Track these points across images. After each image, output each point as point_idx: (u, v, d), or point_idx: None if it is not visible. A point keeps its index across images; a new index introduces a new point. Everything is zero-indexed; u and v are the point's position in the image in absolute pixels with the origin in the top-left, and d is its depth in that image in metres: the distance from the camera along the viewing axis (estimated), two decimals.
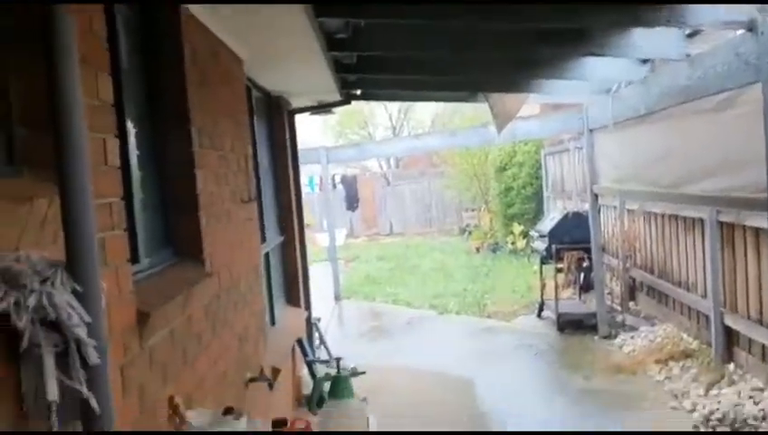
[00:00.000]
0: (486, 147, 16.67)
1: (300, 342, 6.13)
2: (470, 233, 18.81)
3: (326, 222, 12.15)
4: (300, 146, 12.45)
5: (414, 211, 23.93)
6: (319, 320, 8.20)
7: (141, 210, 2.85)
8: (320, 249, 15.59)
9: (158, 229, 3.14)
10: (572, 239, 8.34)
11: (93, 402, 1.51)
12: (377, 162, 28.23)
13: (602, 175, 7.79)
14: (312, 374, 6.08)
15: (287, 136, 6.92)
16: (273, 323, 5.90)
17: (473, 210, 19.83)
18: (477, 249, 16.33)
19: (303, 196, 7.50)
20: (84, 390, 1.48)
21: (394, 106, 29.66)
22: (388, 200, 24.02)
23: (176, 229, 3.23)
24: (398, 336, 8.99)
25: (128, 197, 2.50)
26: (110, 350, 1.69)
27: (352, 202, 17.55)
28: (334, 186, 18.02)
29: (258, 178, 5.70)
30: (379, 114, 30.64)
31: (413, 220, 23.86)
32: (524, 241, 14.22)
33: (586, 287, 9.33)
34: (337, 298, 11.83)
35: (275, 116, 6.73)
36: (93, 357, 1.51)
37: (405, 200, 24.04)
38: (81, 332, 1.48)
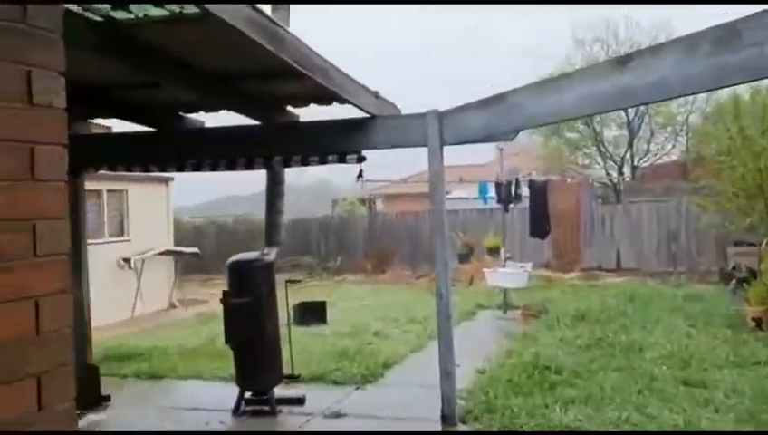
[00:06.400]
0: None
1: None
2: (742, 284, 11.45)
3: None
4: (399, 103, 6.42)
5: (652, 241, 16.83)
6: None
7: None
8: (487, 292, 9.87)
9: None
10: None
11: None
12: (604, 171, 21.20)
13: None
14: None
15: None
16: None
17: (748, 245, 12.49)
18: (757, 322, 9.10)
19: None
20: None
21: None
22: (616, 223, 17.16)
23: None
24: None
25: None
26: None
27: (539, 223, 11.20)
28: (517, 196, 11.79)
29: None
30: None
31: (649, 254, 16.76)
32: None
33: None
34: (447, 420, 5.90)
35: None
36: None
37: (641, 224, 17.06)
38: None
